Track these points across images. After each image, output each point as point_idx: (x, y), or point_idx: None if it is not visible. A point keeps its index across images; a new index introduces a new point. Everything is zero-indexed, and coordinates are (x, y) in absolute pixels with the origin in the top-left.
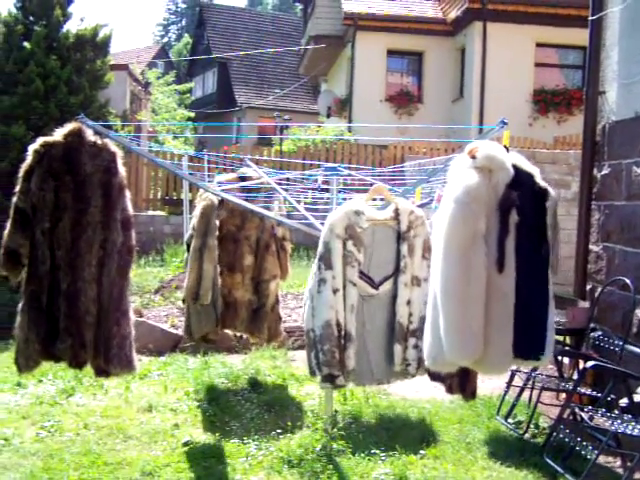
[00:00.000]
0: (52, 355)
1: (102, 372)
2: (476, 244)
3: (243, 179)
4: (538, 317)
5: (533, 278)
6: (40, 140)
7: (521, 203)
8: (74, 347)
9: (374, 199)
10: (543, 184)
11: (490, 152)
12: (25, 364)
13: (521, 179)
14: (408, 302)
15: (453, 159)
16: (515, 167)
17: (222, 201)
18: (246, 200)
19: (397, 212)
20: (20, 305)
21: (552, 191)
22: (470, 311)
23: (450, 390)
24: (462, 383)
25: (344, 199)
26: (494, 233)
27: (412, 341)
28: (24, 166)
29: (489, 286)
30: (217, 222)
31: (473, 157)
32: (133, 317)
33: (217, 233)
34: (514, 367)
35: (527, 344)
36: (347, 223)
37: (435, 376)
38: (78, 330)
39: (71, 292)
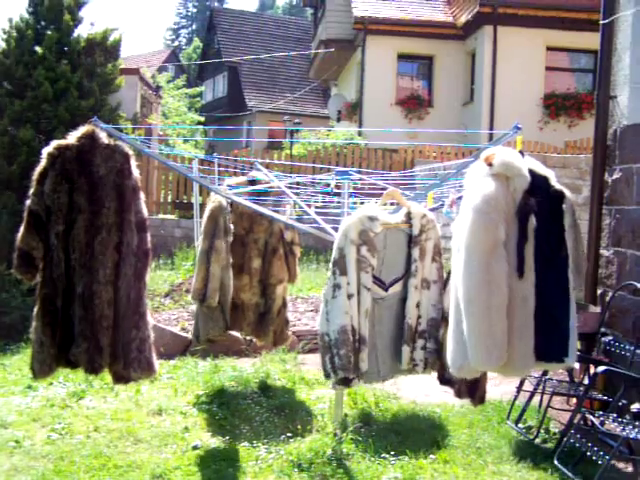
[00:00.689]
0: (68, 361)
1: (121, 378)
2: (497, 252)
3: (253, 183)
4: (560, 319)
5: (553, 281)
6: (54, 143)
7: (538, 207)
8: (89, 351)
9: (385, 203)
10: (559, 187)
11: (507, 159)
12: (40, 369)
13: (537, 183)
14: (417, 304)
15: (465, 164)
16: (531, 172)
17: (231, 204)
18: (256, 204)
19: (409, 216)
20: (35, 309)
21: (568, 192)
22: (494, 319)
23: (459, 394)
24: (471, 388)
25: (354, 203)
26: (513, 239)
27: (420, 342)
28: (38, 169)
29: (510, 292)
30: (231, 225)
31: (490, 164)
32: (151, 320)
33: (231, 236)
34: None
35: (550, 347)
36: (361, 229)
37: (444, 380)
38: (93, 333)
39: (86, 295)
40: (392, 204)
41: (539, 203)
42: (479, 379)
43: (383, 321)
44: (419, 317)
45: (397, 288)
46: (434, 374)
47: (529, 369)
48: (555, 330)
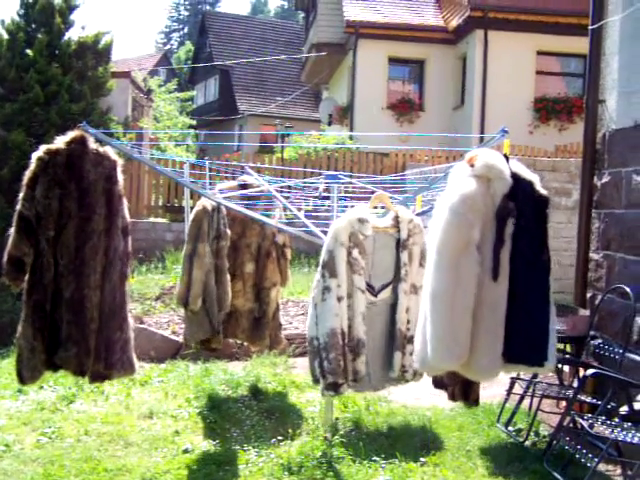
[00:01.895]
0: (52, 364)
1: (99, 377)
2: (468, 253)
3: (244, 187)
4: (541, 323)
5: (535, 285)
6: (43, 147)
7: (522, 211)
8: (79, 355)
9: (375, 207)
10: (543, 191)
11: (489, 161)
12: (30, 375)
13: (521, 187)
14: (407, 310)
15: (454, 167)
16: (515, 175)
17: (226, 208)
18: (246, 208)
19: (397, 220)
20: (22, 314)
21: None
22: (457, 318)
23: (452, 397)
24: (465, 390)
25: (345, 207)
26: (489, 242)
27: (409, 348)
28: (28, 173)
29: (483, 294)
30: (227, 230)
31: (472, 165)
32: (132, 322)
33: (227, 240)
34: (514, 374)
35: (532, 350)
36: (351, 231)
37: (438, 383)
38: (83, 337)
39: (75, 299)
40: (382, 208)
41: (523, 206)
42: (471, 381)
43: (373, 328)
44: (408, 322)
45: (386, 294)
46: (422, 381)
47: (496, 372)
48: (536, 334)
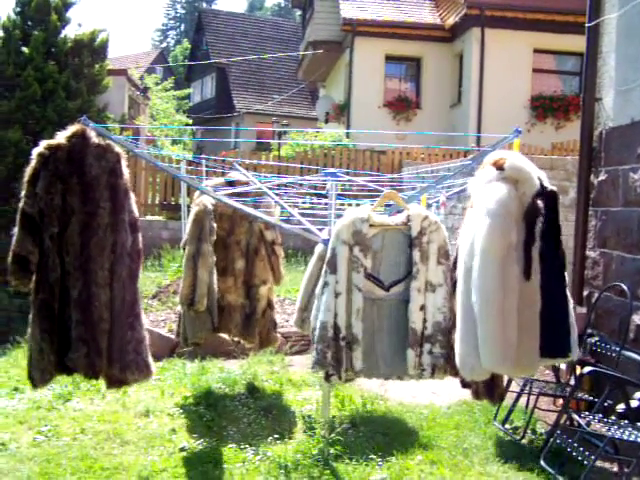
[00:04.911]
0: (64, 367)
1: (116, 382)
2: (509, 255)
3: (231, 183)
4: (562, 317)
5: (554, 280)
6: (44, 143)
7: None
8: (90, 355)
9: (384, 205)
10: (551, 187)
11: (518, 163)
12: (41, 378)
13: None
14: (422, 308)
15: (464, 166)
16: None
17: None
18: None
19: (409, 217)
20: (30, 315)
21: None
22: (507, 321)
23: (477, 395)
24: (489, 388)
25: (342, 204)
26: (521, 242)
27: (427, 347)
28: (29, 170)
29: (520, 293)
30: (214, 224)
31: (500, 168)
32: (146, 321)
33: (214, 238)
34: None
35: (556, 344)
36: (354, 229)
37: (466, 383)
38: (93, 337)
39: (83, 298)
40: (388, 206)
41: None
42: (496, 378)
43: (383, 321)
44: (425, 321)
45: (399, 289)
46: (448, 378)
47: (535, 367)
48: (558, 327)
